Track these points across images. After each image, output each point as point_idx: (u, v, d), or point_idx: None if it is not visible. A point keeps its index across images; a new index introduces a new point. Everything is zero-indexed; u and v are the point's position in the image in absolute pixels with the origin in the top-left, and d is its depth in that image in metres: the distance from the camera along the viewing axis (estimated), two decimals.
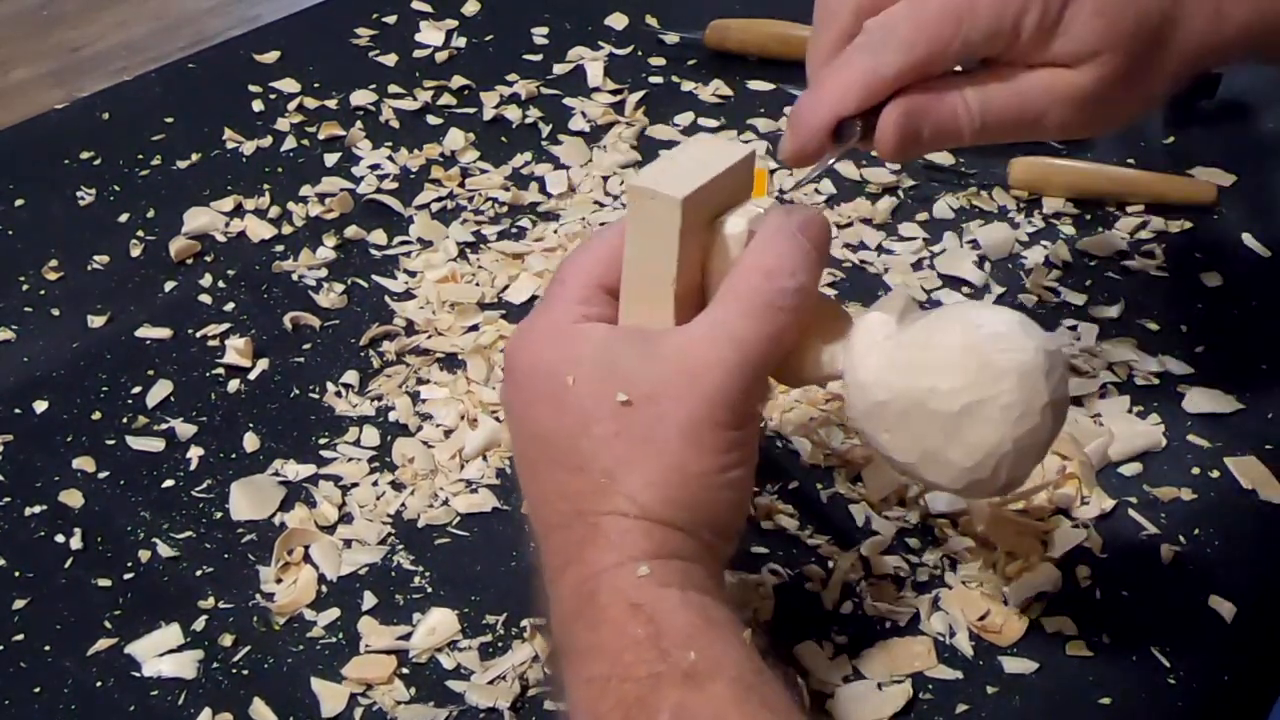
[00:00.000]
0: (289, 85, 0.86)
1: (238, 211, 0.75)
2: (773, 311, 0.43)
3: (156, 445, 0.60)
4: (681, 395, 0.42)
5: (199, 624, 0.53)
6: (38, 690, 0.50)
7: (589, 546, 0.41)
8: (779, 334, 0.43)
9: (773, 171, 0.77)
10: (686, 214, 0.43)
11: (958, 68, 0.49)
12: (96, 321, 0.68)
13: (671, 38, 0.89)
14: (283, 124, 0.82)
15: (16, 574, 0.55)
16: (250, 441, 0.60)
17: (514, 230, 0.73)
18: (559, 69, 0.87)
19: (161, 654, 0.51)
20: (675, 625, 0.39)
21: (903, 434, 0.43)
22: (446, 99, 0.85)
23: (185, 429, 0.61)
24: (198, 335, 0.67)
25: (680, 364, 0.42)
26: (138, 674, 0.51)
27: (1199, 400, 0.61)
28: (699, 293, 0.46)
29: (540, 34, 0.91)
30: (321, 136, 0.81)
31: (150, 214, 0.75)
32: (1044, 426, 0.42)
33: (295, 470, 0.59)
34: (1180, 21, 0.48)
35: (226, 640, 0.52)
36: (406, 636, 0.52)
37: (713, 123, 0.82)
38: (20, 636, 0.52)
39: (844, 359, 0.45)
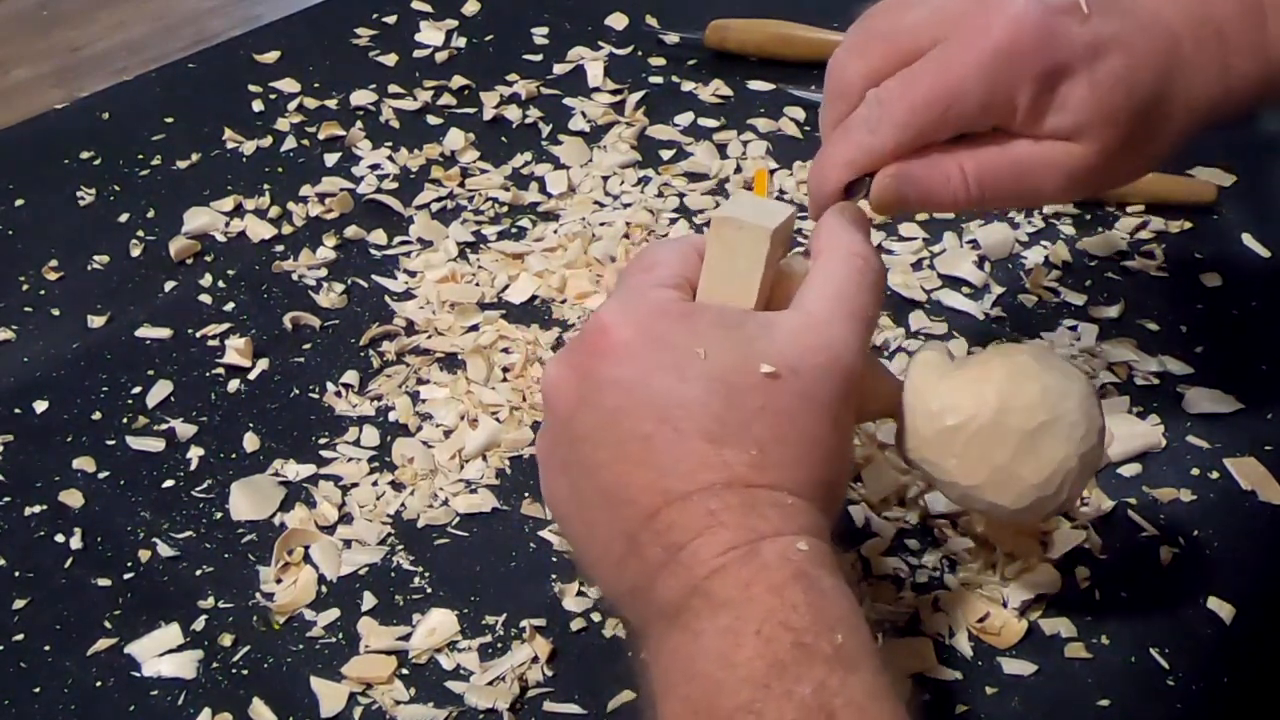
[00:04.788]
0: (289, 85, 0.86)
1: (238, 211, 0.75)
2: (876, 291, 0.45)
3: (156, 445, 0.60)
4: (824, 370, 0.43)
5: (199, 624, 0.53)
6: (38, 690, 0.50)
7: (749, 515, 0.40)
8: (878, 316, 0.46)
9: (772, 171, 0.77)
10: (772, 245, 0.45)
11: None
12: (96, 321, 0.68)
13: (671, 38, 0.89)
14: (283, 124, 0.82)
15: (16, 574, 0.55)
16: (250, 441, 0.61)
17: (514, 230, 0.73)
18: (559, 69, 0.87)
19: (161, 654, 0.52)
20: (831, 603, 0.39)
21: (971, 457, 0.45)
22: (446, 99, 0.84)
23: (185, 429, 0.61)
24: (198, 335, 0.67)
25: (817, 340, 0.43)
26: (138, 674, 0.51)
27: (1199, 400, 0.61)
28: None
29: (540, 34, 0.91)
30: (321, 136, 0.81)
31: (150, 214, 0.75)
32: (1099, 447, 0.46)
33: (295, 470, 0.59)
34: (1183, 81, 0.48)
35: (226, 640, 0.52)
36: (406, 637, 0.52)
37: (713, 122, 0.82)
38: (20, 636, 0.52)
39: (904, 394, 0.47)
